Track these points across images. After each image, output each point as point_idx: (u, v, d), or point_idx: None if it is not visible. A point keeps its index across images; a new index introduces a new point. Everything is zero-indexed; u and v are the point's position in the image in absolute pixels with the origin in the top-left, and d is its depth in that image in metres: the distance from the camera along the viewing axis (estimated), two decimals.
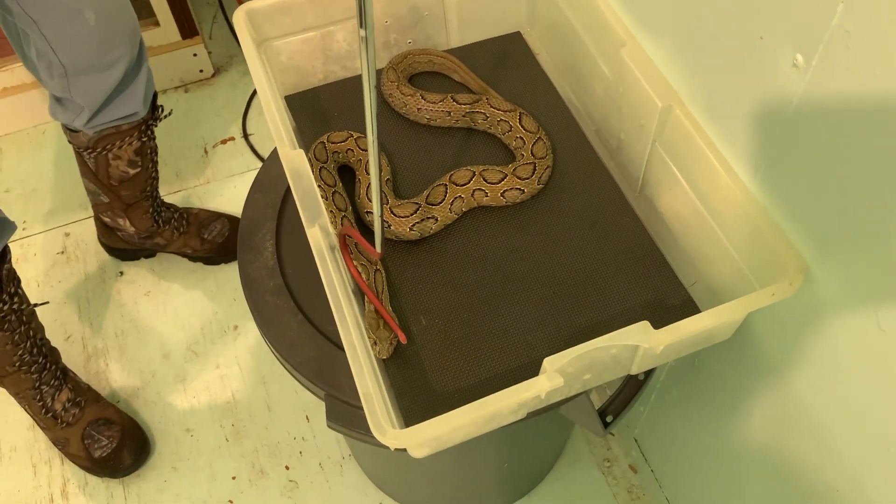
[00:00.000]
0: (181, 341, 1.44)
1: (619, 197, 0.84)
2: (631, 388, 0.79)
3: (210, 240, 1.49)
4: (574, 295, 0.77)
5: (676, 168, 0.76)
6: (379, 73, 0.92)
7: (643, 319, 0.62)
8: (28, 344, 1.18)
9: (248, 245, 0.85)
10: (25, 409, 1.29)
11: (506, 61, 0.96)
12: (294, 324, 0.79)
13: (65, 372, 1.30)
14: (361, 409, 0.73)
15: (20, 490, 1.30)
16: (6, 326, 1.12)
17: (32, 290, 1.51)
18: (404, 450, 0.65)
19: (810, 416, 0.73)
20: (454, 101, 0.88)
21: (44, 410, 1.26)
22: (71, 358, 1.42)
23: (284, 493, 1.27)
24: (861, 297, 0.60)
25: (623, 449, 1.27)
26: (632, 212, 0.83)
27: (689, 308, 0.76)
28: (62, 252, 1.57)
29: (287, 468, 1.29)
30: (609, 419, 0.79)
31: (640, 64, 0.76)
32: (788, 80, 0.58)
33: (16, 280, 1.13)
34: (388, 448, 0.61)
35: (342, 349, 0.76)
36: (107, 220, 1.43)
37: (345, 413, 0.74)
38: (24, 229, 1.61)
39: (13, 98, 1.70)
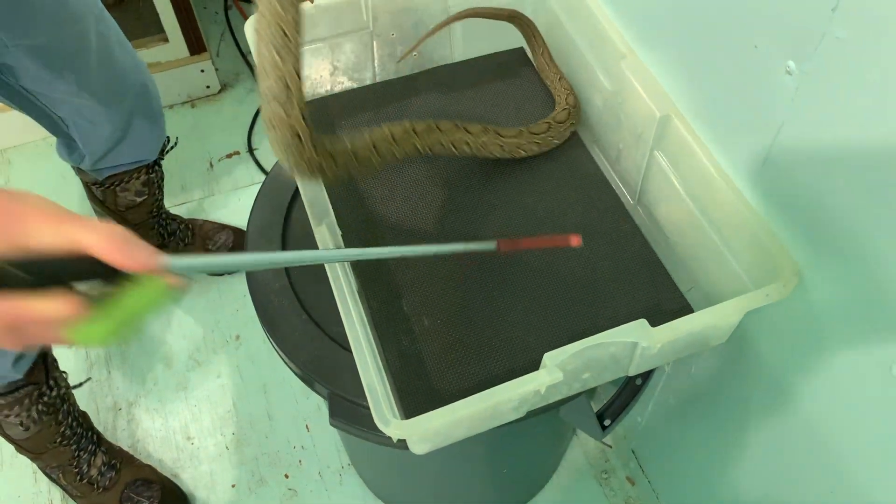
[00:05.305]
0: (183, 350, 1.45)
1: (618, 205, 0.85)
2: (629, 391, 0.80)
3: (214, 251, 1.50)
4: (573, 299, 0.78)
5: (674, 176, 0.78)
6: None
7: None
8: (70, 420, 1.16)
9: (255, 247, 0.87)
10: (56, 481, 1.25)
11: (509, 74, 0.98)
12: (299, 324, 0.81)
13: (97, 434, 1.26)
14: (364, 407, 0.74)
15: (20, 496, 1.30)
16: (51, 410, 1.11)
17: None
18: (406, 445, 0.66)
19: (812, 425, 0.74)
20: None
21: (79, 478, 1.22)
22: (73, 366, 1.43)
23: (284, 501, 1.27)
24: (858, 301, 0.62)
25: (621, 460, 1.28)
26: (630, 219, 0.84)
27: (685, 313, 0.76)
28: None
29: (287, 477, 1.30)
30: (607, 423, 0.80)
31: (639, 75, 0.79)
32: (782, 87, 0.60)
33: (55, 363, 1.11)
34: (390, 440, 0.62)
35: (346, 349, 0.77)
36: None
37: (347, 411, 0.75)
38: None
39: None
